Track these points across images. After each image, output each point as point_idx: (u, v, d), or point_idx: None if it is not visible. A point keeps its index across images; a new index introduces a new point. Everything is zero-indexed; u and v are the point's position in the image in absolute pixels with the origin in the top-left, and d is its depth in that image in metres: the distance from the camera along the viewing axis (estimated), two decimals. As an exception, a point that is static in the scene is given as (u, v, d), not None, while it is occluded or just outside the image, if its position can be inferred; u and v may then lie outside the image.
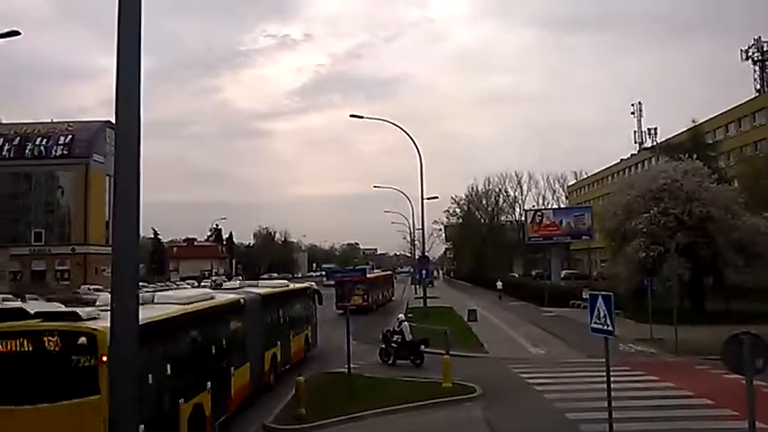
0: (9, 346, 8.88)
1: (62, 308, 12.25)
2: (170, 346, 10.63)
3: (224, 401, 12.90)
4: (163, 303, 11.89)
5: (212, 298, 14.10)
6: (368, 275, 47.65)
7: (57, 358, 8.79)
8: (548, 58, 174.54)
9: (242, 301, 15.58)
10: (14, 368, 8.80)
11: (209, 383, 11.93)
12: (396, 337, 20.51)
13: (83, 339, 8.79)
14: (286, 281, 29.76)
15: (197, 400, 11.32)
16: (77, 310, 9.75)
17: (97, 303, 11.78)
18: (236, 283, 23.74)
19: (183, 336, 11.39)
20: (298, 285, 25.20)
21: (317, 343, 23.72)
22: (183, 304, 12.16)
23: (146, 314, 8.73)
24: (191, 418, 10.89)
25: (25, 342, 8.86)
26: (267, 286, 20.65)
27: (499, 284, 52.53)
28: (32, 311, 9.82)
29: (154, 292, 15.14)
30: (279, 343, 18.27)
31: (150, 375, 9.47)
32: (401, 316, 23.02)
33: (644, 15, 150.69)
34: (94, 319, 9.20)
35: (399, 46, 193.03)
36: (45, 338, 8.87)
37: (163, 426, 9.81)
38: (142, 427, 8.39)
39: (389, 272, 65.78)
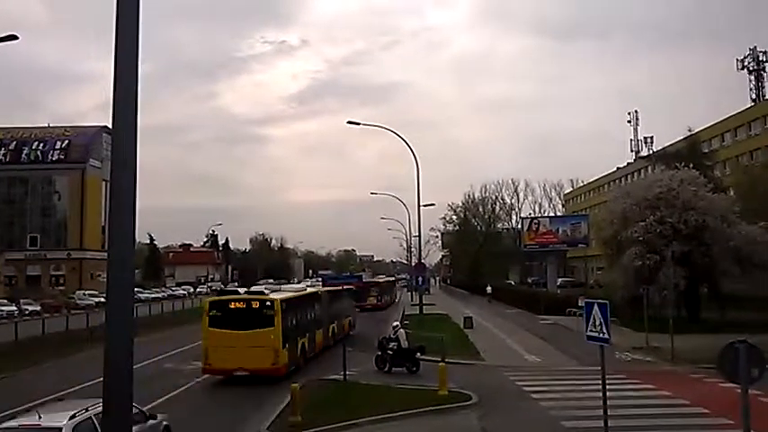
0: (237, 305, 19.45)
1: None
2: (294, 309, 21.12)
3: (313, 346, 22.86)
4: (286, 291, 23.31)
5: (305, 289, 26.30)
6: (380, 282, 57.88)
7: (256, 310, 19.20)
8: (545, 67, 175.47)
9: (319, 292, 26.96)
10: (240, 314, 19.17)
11: (307, 334, 22.18)
12: (392, 345, 20.43)
13: (268, 302, 19.37)
14: None
15: (303, 340, 21.55)
16: (263, 289, 21.77)
17: (266, 288, 23.32)
18: (308, 281, 37.40)
19: (298, 305, 21.88)
20: (347, 286, 36.74)
21: (355, 325, 32.48)
22: (296, 291, 24.17)
23: (283, 294, 21.44)
24: (300, 348, 21.13)
25: (243, 303, 19.54)
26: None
27: (488, 289, 57.47)
28: (242, 291, 21.61)
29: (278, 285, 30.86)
30: (335, 321, 27.48)
31: (288, 321, 19.80)
32: (397, 323, 22.97)
33: (641, 24, 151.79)
34: (269, 294, 20.62)
35: (397, 53, 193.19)
36: (252, 302, 19.55)
37: (293, 346, 20.22)
38: (287, 345, 19.25)
39: (393, 278, 78.76)
